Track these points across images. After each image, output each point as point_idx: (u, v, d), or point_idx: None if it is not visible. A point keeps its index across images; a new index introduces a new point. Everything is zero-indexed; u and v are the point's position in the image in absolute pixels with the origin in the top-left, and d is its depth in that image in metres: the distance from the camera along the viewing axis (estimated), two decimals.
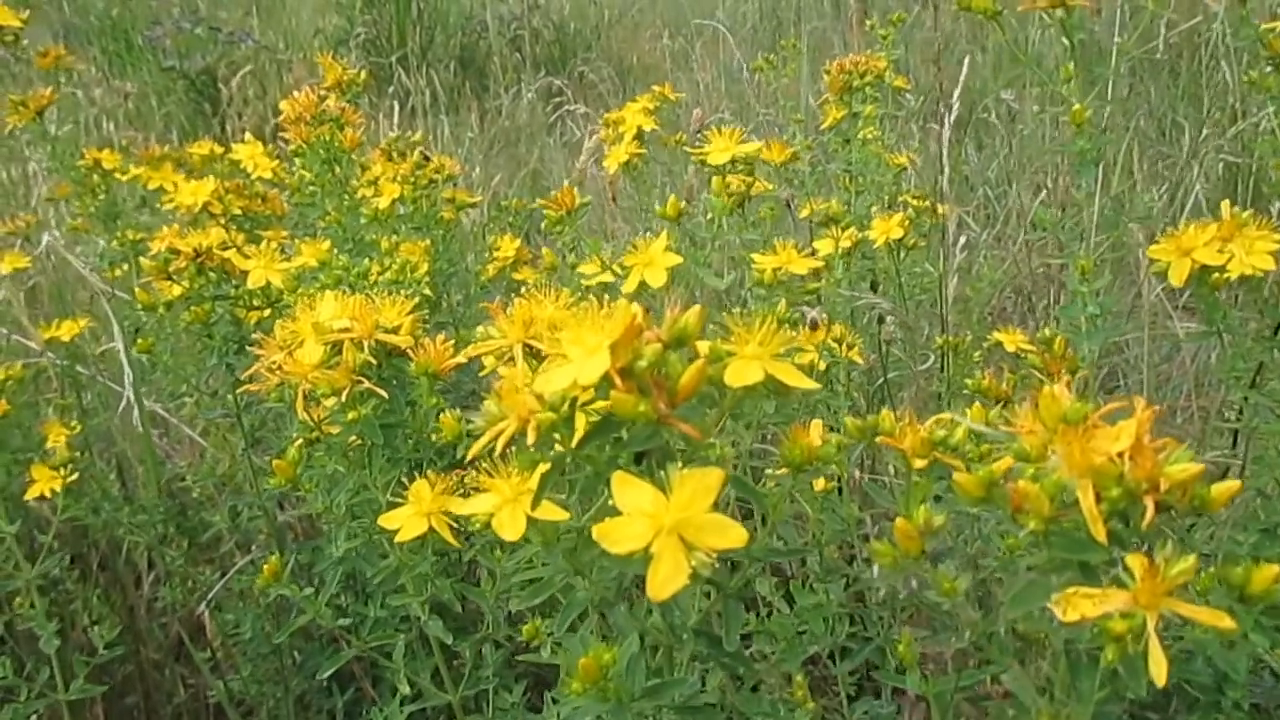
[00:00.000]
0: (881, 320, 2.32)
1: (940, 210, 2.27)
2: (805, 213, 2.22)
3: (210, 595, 2.22)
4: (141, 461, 2.46)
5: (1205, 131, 3.65)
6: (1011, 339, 1.99)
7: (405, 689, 1.55)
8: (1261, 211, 1.40)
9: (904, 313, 2.25)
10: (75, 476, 1.97)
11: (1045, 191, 3.40)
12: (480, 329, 1.23)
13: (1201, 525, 1.65)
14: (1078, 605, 0.79)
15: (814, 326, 1.83)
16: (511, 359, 1.18)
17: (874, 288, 2.35)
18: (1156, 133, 4.05)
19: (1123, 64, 4.20)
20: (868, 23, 2.49)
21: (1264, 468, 1.51)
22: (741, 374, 0.92)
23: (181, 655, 2.42)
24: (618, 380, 0.87)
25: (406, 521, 1.29)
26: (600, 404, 0.90)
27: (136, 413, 2.28)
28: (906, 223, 2.05)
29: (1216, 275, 1.32)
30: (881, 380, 2.37)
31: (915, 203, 2.21)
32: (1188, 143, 3.66)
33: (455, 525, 1.29)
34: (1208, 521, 1.68)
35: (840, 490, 1.50)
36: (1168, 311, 3.04)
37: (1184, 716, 1.41)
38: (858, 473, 1.92)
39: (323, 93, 2.20)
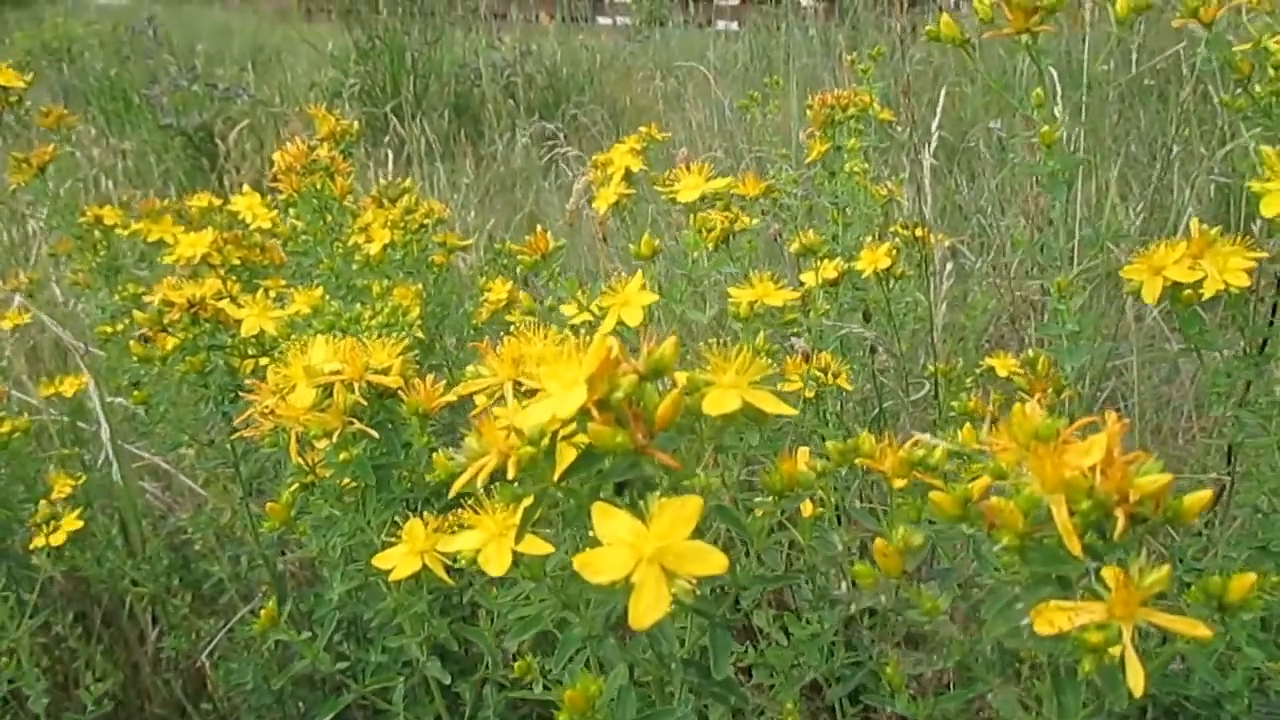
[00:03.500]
0: (874, 350, 2.33)
1: (924, 236, 2.29)
2: (794, 246, 2.24)
3: (213, 644, 2.22)
4: (133, 516, 2.47)
5: (1176, 148, 3.68)
6: (1004, 364, 2.00)
7: None
8: (1251, 232, 1.41)
9: (893, 342, 2.26)
10: (80, 525, 1.98)
11: (1029, 217, 3.42)
12: (470, 368, 1.24)
13: (1198, 544, 1.65)
14: (1053, 619, 0.80)
15: (807, 358, 1.84)
16: (502, 397, 1.19)
17: (867, 318, 2.37)
18: (1148, 156, 4.07)
19: (1112, 90, 4.23)
20: (847, 59, 2.52)
21: (1254, 484, 1.52)
22: (719, 403, 0.94)
23: (187, 711, 2.42)
24: (595, 412, 0.88)
25: (400, 561, 1.29)
26: (580, 437, 0.91)
27: (116, 467, 2.30)
28: (894, 252, 2.07)
29: (1189, 292, 1.33)
30: (877, 411, 2.37)
31: (903, 232, 2.23)
32: (1178, 165, 3.69)
33: (450, 564, 1.30)
34: (1208, 542, 1.68)
35: (839, 519, 1.50)
36: (1165, 334, 3.04)
37: None
38: (858, 502, 1.92)
39: (314, 143, 2.23)
